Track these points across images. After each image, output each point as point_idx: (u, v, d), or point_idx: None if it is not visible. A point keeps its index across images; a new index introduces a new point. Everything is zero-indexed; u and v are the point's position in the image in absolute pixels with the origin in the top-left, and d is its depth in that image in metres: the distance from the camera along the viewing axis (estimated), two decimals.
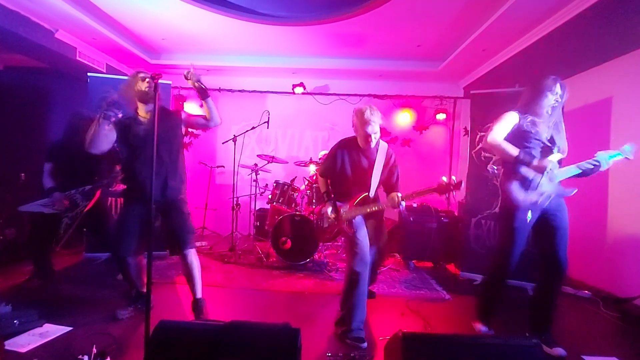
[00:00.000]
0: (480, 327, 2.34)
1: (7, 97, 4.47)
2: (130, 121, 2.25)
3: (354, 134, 2.39)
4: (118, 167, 2.82)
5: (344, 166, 2.37)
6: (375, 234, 2.44)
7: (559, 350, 2.09)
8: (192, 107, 5.41)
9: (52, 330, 2.11)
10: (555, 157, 2.09)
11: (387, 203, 2.26)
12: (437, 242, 3.85)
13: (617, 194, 3.25)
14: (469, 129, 3.79)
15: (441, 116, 5.15)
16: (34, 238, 2.88)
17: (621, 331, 2.54)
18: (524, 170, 2.10)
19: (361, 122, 2.23)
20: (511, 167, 2.15)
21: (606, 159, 2.07)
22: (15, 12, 3.22)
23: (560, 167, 2.12)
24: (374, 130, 2.23)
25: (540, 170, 2.07)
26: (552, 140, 2.16)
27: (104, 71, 4.48)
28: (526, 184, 2.09)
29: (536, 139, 2.14)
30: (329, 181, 2.54)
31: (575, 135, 3.60)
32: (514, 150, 2.10)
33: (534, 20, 3.12)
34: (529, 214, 2.10)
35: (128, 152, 2.27)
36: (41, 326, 2.14)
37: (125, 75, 4.88)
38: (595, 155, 2.09)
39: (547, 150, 2.15)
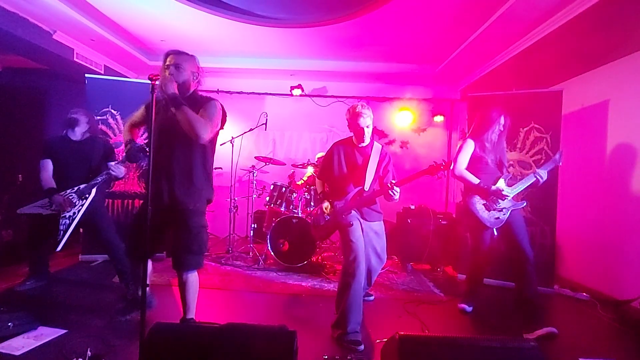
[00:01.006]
0: (465, 307, 2.76)
1: (5, 98, 4.46)
2: (161, 105, 1.94)
3: (350, 136, 2.48)
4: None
5: (340, 163, 2.44)
6: (374, 243, 2.46)
7: (550, 329, 2.35)
8: None
9: (46, 333, 2.09)
10: (502, 182, 2.55)
11: (382, 192, 2.30)
12: (435, 244, 3.84)
13: (614, 196, 3.26)
14: (466, 131, 3.80)
15: (439, 118, 5.17)
16: (32, 239, 2.86)
17: (619, 333, 2.54)
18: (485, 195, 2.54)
19: (353, 115, 2.34)
20: (474, 192, 2.57)
21: (544, 173, 2.51)
22: (14, 13, 3.22)
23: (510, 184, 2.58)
24: (366, 122, 2.33)
25: (497, 194, 2.48)
26: (500, 162, 2.62)
27: (102, 72, 4.47)
28: (488, 205, 2.54)
29: (486, 162, 2.59)
30: (325, 184, 2.57)
31: (573, 138, 3.64)
32: (474, 179, 2.55)
33: (530, 24, 3.13)
34: (495, 231, 2.58)
35: (153, 143, 1.98)
36: (36, 329, 2.12)
37: (124, 76, 4.88)
38: (536, 171, 2.53)
39: (495, 171, 2.60)
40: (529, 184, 2.52)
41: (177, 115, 1.82)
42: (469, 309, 2.75)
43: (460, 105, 5.24)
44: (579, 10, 2.70)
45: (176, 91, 1.85)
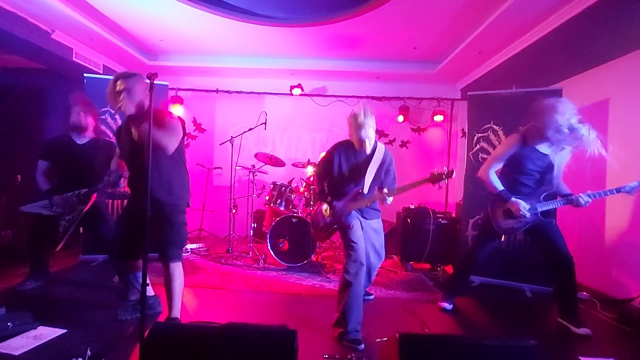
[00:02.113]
0: (445, 305, 2.72)
1: (3, 98, 4.45)
2: (122, 129, 2.21)
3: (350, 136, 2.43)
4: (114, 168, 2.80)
5: (340, 167, 2.40)
6: (373, 240, 2.46)
7: (585, 330, 2.35)
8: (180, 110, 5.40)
9: (46, 333, 2.08)
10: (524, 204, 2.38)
11: (376, 197, 2.30)
12: (435, 243, 3.84)
13: (615, 197, 3.25)
14: (466, 130, 3.80)
15: (439, 118, 5.16)
16: (33, 239, 2.86)
17: (618, 332, 2.54)
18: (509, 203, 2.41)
19: (355, 126, 2.25)
20: (499, 196, 2.45)
21: (586, 199, 2.31)
22: (12, 12, 3.21)
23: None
24: (368, 134, 2.25)
25: (512, 211, 2.39)
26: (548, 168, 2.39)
27: (101, 72, 4.47)
28: (509, 213, 2.43)
29: (529, 168, 2.40)
30: (325, 183, 2.56)
31: None
32: (498, 186, 2.43)
33: (530, 23, 3.13)
34: (503, 237, 2.54)
35: (125, 161, 2.28)
36: (35, 329, 2.12)
37: None
38: (580, 195, 2.32)
39: (535, 181, 2.43)
40: (560, 205, 2.38)
41: (141, 134, 1.98)
42: (449, 307, 2.72)
43: (461, 105, 5.24)
44: (579, 9, 2.70)
45: (133, 112, 2.05)
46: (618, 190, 2.27)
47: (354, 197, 2.37)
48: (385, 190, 2.22)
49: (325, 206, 2.42)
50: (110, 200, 3.71)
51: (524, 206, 2.36)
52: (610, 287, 3.17)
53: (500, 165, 2.46)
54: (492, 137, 3.49)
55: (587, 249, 3.50)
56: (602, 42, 3.07)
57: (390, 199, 2.23)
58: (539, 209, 2.39)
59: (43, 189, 2.69)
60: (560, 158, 2.38)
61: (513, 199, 2.38)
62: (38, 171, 2.73)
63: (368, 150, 2.34)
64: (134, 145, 2.09)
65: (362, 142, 2.28)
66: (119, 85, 2.04)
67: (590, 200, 2.29)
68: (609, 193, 2.29)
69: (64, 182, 2.71)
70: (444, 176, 2.09)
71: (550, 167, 2.38)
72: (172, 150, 2.05)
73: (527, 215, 2.37)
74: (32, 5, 3.14)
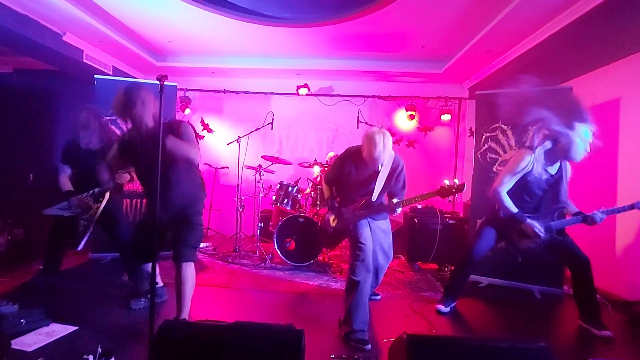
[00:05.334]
0: (441, 307, 2.64)
1: (16, 99, 4.54)
2: (137, 141, 2.12)
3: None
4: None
5: (349, 174, 2.40)
6: (381, 241, 2.45)
7: (606, 333, 2.35)
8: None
9: (58, 330, 2.12)
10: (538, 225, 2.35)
11: (385, 208, 2.30)
12: (442, 243, 3.81)
13: (626, 196, 3.20)
14: (474, 130, 3.76)
15: (446, 117, 5.12)
16: (53, 237, 2.93)
17: (630, 334, 2.51)
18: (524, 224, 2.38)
19: (369, 152, 2.21)
20: (514, 218, 2.40)
21: (600, 216, 2.30)
22: (25, 15, 3.27)
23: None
24: (382, 161, 2.24)
25: (530, 231, 2.36)
26: (557, 181, 2.37)
27: (111, 73, 4.52)
28: (524, 233, 2.41)
29: (539, 181, 2.35)
30: (333, 188, 2.56)
31: None
32: (512, 208, 2.38)
33: (539, 20, 3.09)
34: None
35: (139, 171, 2.26)
36: (47, 325, 2.16)
37: (132, 77, 4.93)
38: (594, 212, 2.30)
39: (542, 195, 2.42)
40: (575, 223, 2.35)
41: (169, 146, 1.92)
42: (445, 310, 2.65)
43: (468, 104, 5.19)
44: (589, 7, 2.65)
45: (152, 124, 2.04)
46: (631, 207, 2.25)
47: (363, 205, 2.36)
48: (395, 201, 2.23)
49: (332, 217, 2.42)
50: (128, 200, 3.76)
51: (538, 228, 2.34)
52: (621, 289, 3.12)
53: (512, 184, 2.39)
54: (500, 136, 3.45)
55: (598, 250, 3.44)
56: (612, 41, 3.01)
57: (399, 210, 2.23)
58: (554, 228, 2.37)
59: (63, 189, 2.76)
60: (565, 173, 2.39)
61: (528, 221, 2.35)
62: (60, 174, 2.81)
63: (379, 168, 2.32)
64: (153, 156, 1.96)
65: (374, 164, 2.26)
66: (134, 97, 2.00)
67: (604, 217, 2.28)
68: (622, 210, 2.28)
69: (80, 182, 2.78)
70: (454, 190, 2.07)
71: (555, 183, 2.38)
72: (198, 160, 2.07)
73: (542, 236, 2.35)
74: (44, 8, 3.20)
